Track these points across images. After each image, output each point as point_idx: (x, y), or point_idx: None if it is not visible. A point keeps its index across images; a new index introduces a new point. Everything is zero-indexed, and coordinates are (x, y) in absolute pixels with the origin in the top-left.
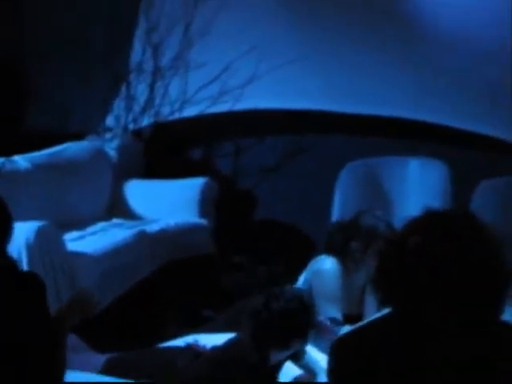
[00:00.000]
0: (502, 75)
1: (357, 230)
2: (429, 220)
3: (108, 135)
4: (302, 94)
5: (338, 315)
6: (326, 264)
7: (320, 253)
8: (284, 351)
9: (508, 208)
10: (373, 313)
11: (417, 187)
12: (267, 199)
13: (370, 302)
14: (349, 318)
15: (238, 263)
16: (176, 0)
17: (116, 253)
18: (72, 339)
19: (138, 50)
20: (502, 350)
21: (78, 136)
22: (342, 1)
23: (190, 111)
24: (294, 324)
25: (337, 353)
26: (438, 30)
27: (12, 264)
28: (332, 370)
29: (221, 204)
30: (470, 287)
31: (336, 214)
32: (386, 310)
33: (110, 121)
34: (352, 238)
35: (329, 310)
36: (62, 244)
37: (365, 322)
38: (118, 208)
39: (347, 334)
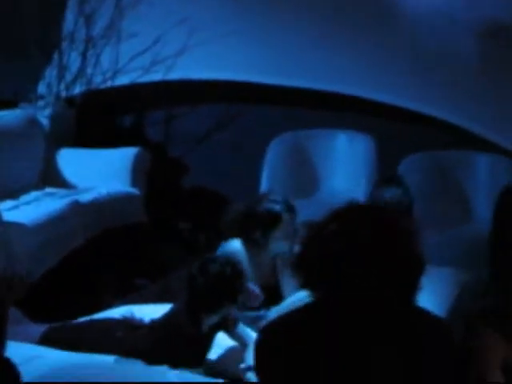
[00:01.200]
0: (434, 50)
1: (255, 218)
2: (349, 210)
3: (40, 103)
4: (235, 66)
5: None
6: (232, 246)
7: None
8: (213, 315)
9: (431, 182)
10: (289, 283)
11: (344, 160)
12: (198, 168)
13: (285, 273)
14: (265, 289)
15: (181, 229)
16: None
17: (50, 223)
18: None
19: (70, 20)
20: (419, 332)
21: (10, 104)
22: None
23: (122, 80)
24: (226, 287)
25: (263, 343)
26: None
27: None
28: (259, 358)
29: (153, 172)
30: (385, 273)
31: (264, 184)
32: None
33: (42, 89)
34: (251, 226)
35: None
36: None
37: (290, 309)
38: (50, 177)
39: (273, 324)
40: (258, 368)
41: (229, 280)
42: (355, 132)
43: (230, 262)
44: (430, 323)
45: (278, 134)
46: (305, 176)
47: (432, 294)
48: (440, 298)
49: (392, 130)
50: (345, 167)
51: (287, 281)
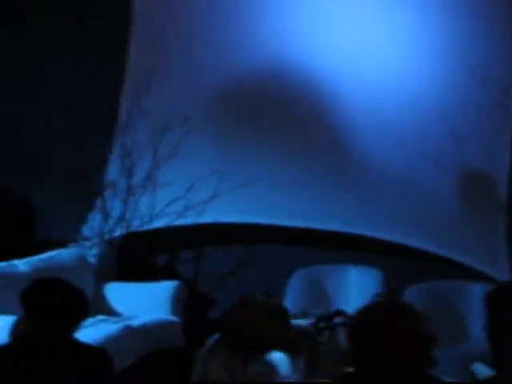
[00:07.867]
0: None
1: None
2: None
3: (87, 244)
4: (257, 211)
5: None
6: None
7: None
8: None
9: (431, 308)
10: None
11: (356, 291)
12: (224, 302)
13: None
14: None
15: None
16: (146, 128)
17: (108, 343)
18: None
19: (113, 171)
20: None
21: (59, 244)
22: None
23: (158, 223)
24: None
25: None
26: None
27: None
28: None
29: (187, 304)
30: (403, 349)
31: None
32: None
33: (86, 231)
34: None
35: None
36: None
37: None
38: (99, 306)
39: None
40: None
41: None
42: (365, 266)
43: None
44: None
45: (297, 269)
46: (321, 306)
47: None
48: None
49: (397, 264)
50: (356, 298)
51: None
